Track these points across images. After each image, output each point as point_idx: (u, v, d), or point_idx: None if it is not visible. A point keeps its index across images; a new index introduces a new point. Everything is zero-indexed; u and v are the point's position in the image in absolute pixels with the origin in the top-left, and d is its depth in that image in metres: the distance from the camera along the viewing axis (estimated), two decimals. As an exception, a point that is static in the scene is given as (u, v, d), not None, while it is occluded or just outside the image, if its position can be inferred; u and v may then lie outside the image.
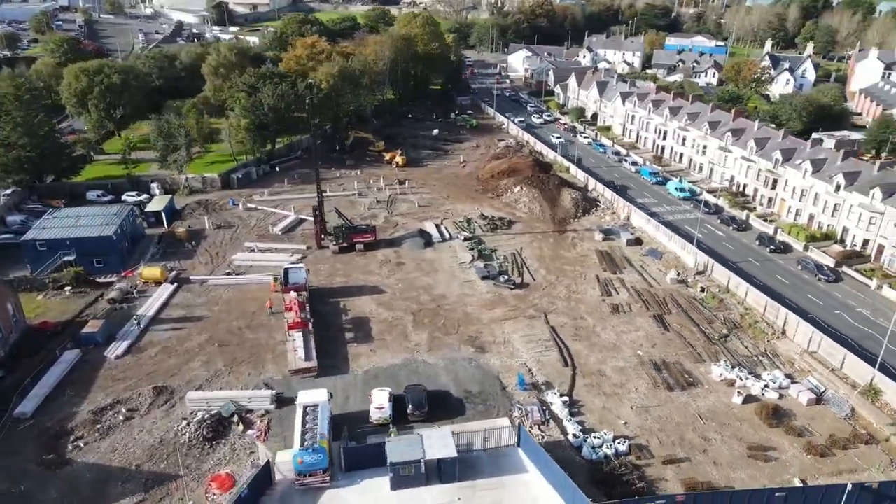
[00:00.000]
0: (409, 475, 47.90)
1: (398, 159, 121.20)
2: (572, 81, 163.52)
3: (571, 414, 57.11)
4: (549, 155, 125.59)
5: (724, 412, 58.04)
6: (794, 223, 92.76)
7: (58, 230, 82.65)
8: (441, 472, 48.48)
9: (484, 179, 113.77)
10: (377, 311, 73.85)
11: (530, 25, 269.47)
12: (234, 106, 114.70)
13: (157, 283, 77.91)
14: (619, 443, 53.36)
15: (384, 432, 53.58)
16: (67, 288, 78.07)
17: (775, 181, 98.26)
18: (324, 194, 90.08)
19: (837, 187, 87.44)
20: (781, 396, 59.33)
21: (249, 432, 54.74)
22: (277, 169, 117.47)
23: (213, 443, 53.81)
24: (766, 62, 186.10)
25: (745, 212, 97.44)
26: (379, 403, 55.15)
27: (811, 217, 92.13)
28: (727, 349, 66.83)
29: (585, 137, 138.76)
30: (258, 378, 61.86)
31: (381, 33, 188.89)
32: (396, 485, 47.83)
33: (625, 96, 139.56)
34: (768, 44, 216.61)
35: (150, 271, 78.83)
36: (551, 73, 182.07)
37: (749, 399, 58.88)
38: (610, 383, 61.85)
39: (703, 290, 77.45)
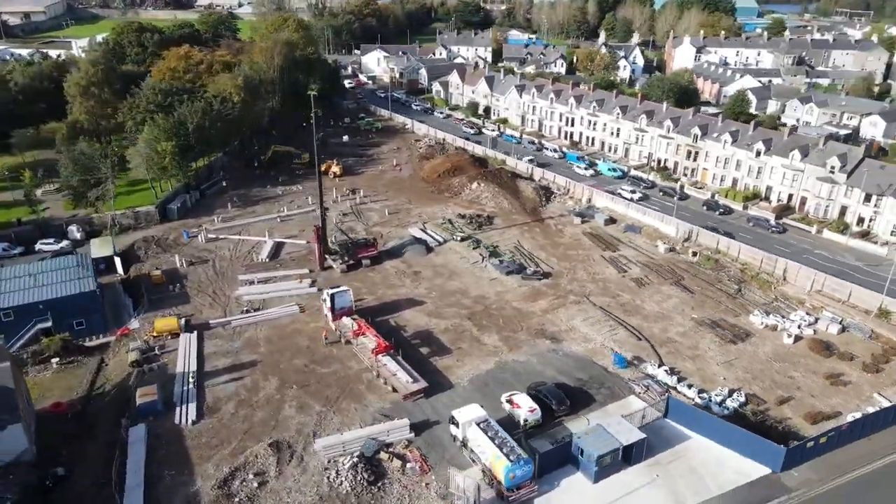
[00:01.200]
0: (608, 465, 49.47)
1: (335, 169, 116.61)
2: (454, 78, 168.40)
3: (679, 380, 62.12)
4: (476, 150, 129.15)
5: (785, 353, 67.14)
6: (730, 188, 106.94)
7: (20, 293, 68.34)
8: (631, 455, 50.65)
9: (431, 180, 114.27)
10: (432, 321, 72.43)
11: (361, 26, 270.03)
12: (148, 129, 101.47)
13: (175, 335, 68.30)
14: (737, 395, 59.52)
15: (537, 434, 54.21)
16: (54, 360, 65.39)
17: (695, 153, 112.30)
18: (282, 213, 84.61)
19: (758, 153, 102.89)
20: (815, 332, 70.07)
21: (409, 465, 51.74)
22: (207, 194, 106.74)
23: (378, 485, 50.14)
24: (604, 51, 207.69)
25: (679, 183, 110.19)
26: (530, 406, 55.31)
27: (735, 181, 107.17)
28: (749, 301, 76.75)
29: (492, 131, 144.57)
30: (367, 411, 58.18)
31: (241, 40, 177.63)
32: (599, 476, 49.12)
33: (520, 89, 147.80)
34: (602, 35, 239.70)
35: (165, 323, 68.77)
36: (423, 70, 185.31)
37: (796, 339, 68.69)
38: (685, 347, 68.01)
39: (694, 254, 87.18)
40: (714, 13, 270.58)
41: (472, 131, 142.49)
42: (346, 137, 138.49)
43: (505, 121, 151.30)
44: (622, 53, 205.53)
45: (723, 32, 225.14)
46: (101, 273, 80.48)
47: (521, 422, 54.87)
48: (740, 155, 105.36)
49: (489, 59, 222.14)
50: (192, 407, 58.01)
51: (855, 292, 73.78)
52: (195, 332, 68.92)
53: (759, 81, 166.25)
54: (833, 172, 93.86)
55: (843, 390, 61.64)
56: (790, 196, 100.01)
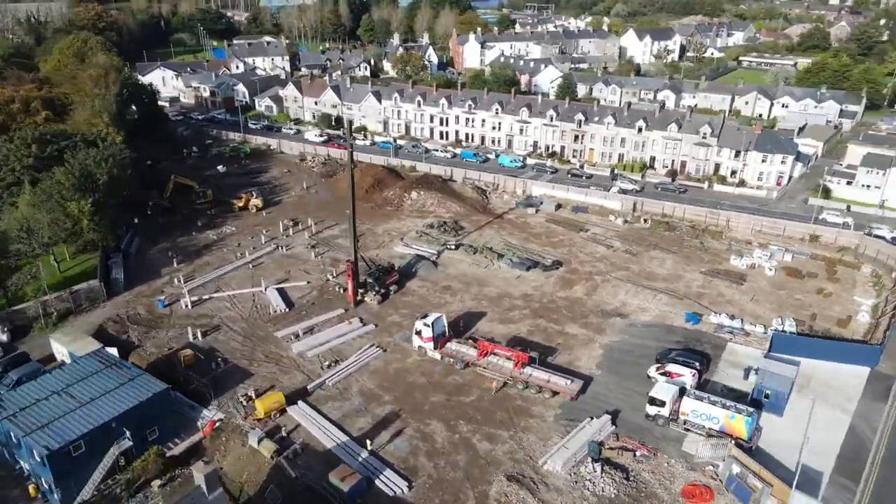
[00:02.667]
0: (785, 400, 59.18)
1: (256, 202, 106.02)
2: (290, 90, 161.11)
3: (742, 321, 74.37)
4: (374, 159, 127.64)
5: (778, 283, 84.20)
6: (621, 162, 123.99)
7: (79, 417, 52.84)
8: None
9: (364, 198, 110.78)
10: (511, 327, 74.16)
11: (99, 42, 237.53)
12: (31, 192, 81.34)
13: (282, 412, 59.64)
14: (786, 321, 73.73)
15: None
16: (155, 483, 53.08)
17: (580, 136, 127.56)
18: (245, 259, 78.19)
19: (640, 129, 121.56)
20: (779, 262, 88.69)
21: (638, 453, 54.98)
22: (129, 255, 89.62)
23: (630, 479, 52.76)
24: (400, 51, 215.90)
25: (577, 163, 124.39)
26: (692, 371, 62.12)
27: (621, 156, 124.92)
28: (712, 249, 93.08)
29: (363, 140, 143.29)
30: (548, 421, 59.18)
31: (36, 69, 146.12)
32: (783, 410, 58.53)
33: (378, 95, 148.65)
34: (396, 37, 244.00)
35: (272, 400, 59.46)
36: (241, 86, 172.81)
37: (774, 269, 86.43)
38: (714, 296, 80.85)
39: (645, 221, 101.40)
40: (466, 12, 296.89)
41: (390, 143, 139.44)
42: (221, 167, 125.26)
43: (363, 129, 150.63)
44: (420, 52, 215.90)
45: (496, 28, 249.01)
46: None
47: (689, 387, 61.28)
48: (624, 133, 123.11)
49: (287, 67, 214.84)
50: (391, 474, 52.75)
51: (788, 226, 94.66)
52: (298, 402, 60.91)
53: (559, 70, 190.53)
54: (706, 137, 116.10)
55: (833, 299, 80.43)
56: (672, 162, 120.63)
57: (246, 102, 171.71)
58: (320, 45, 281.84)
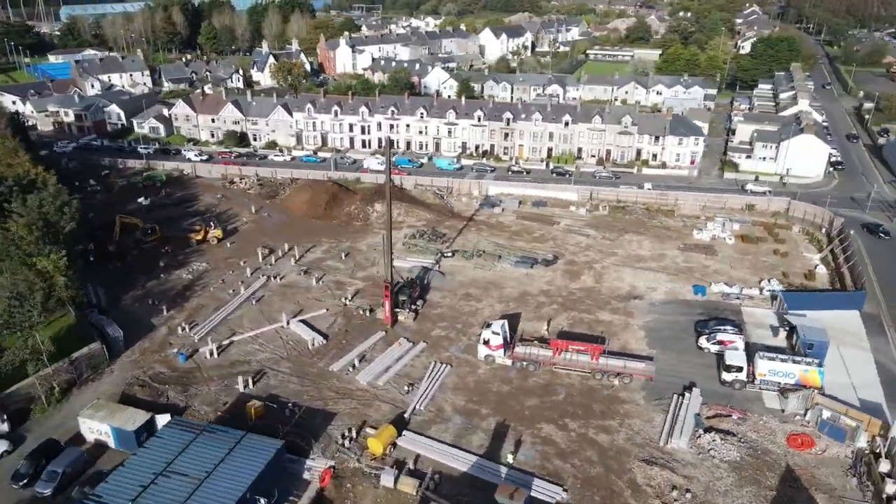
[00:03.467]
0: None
1: (215, 233, 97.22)
2: (182, 109, 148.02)
3: (741, 288, 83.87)
4: (312, 175, 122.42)
5: (740, 249, 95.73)
6: (547, 157, 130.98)
7: (209, 498, 46.72)
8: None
9: (321, 215, 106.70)
10: (556, 323, 76.75)
11: None
12: (4, 246, 68.98)
13: (393, 445, 57.16)
14: (774, 281, 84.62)
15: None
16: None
17: (509, 134, 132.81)
18: (243, 295, 76.05)
19: (566, 123, 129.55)
20: (731, 232, 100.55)
21: (734, 416, 60.77)
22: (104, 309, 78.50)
23: (739, 442, 58.38)
24: (271, 59, 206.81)
25: (509, 161, 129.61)
26: (742, 338, 69.40)
27: (550, 150, 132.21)
28: (669, 226, 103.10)
29: (282, 155, 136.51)
30: (640, 403, 63.14)
31: None
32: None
33: (287, 107, 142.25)
34: (266, 44, 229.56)
35: (386, 436, 56.66)
36: (114, 108, 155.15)
37: (732, 238, 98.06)
38: (701, 267, 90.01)
39: (605, 208, 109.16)
40: (323, 17, 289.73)
41: (312, 157, 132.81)
42: (144, 200, 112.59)
43: (274, 144, 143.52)
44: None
45: (364, 29, 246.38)
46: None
47: (741, 350, 68.23)
48: (552, 127, 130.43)
49: (149, 82, 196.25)
50: (540, 482, 53.30)
51: (728, 200, 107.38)
52: (403, 432, 58.81)
53: (447, 71, 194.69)
54: (627, 126, 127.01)
55: (790, 258, 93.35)
56: (599, 151, 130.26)
57: (122, 125, 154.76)
58: (152, 56, 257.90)
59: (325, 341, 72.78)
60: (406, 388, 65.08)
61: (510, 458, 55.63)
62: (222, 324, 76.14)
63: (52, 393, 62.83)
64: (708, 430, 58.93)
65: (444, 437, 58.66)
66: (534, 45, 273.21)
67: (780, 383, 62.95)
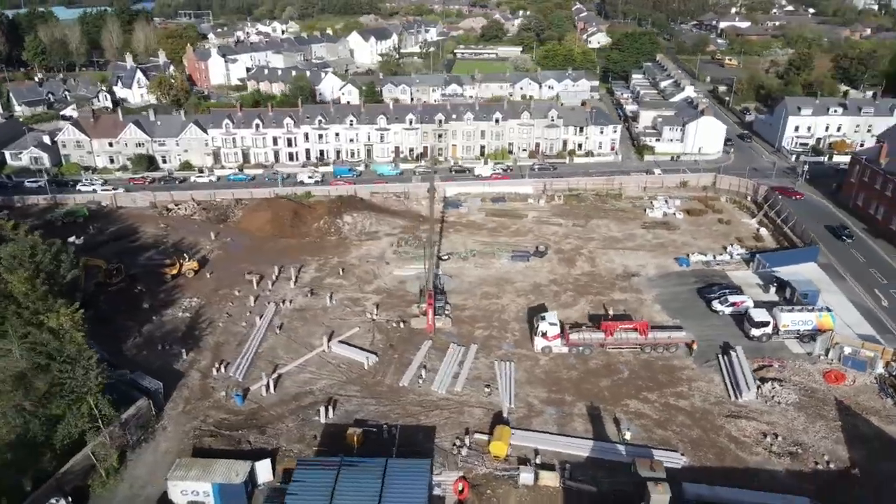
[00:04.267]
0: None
1: (191, 265, 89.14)
2: (71, 134, 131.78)
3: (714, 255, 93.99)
4: (256, 194, 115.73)
5: (691, 221, 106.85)
6: (479, 155, 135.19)
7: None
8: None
9: (294, 234, 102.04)
10: (573, 309, 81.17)
11: None
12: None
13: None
14: (738, 246, 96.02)
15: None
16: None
17: (442, 135, 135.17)
18: (260, 325, 74.81)
19: (497, 121, 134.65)
20: (676, 207, 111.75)
21: (773, 365, 69.31)
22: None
23: (782, 385, 66.94)
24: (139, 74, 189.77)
25: (444, 161, 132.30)
26: (749, 297, 78.55)
27: (482, 148, 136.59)
28: (620, 208, 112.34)
29: (202, 177, 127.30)
30: (694, 368, 69.72)
31: None
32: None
33: (200, 124, 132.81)
34: (129, 57, 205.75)
35: (504, 438, 57.45)
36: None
37: (681, 213, 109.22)
38: (669, 241, 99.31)
39: (560, 198, 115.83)
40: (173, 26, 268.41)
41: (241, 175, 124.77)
42: (75, 239, 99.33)
43: (188, 165, 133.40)
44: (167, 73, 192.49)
45: (212, 38, 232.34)
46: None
47: (747, 309, 77.32)
48: (483, 126, 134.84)
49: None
50: (659, 451, 57.43)
51: (664, 180, 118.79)
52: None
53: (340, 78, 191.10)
54: (554, 120, 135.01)
55: (733, 225, 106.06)
56: (529, 145, 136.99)
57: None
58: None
59: (377, 358, 70.95)
60: (486, 389, 65.89)
61: (627, 435, 59.09)
62: (258, 358, 71.10)
63: (103, 462, 55.39)
64: (762, 380, 66.71)
65: (549, 429, 60.65)
66: (397, 47, 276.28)
67: (799, 331, 72.63)
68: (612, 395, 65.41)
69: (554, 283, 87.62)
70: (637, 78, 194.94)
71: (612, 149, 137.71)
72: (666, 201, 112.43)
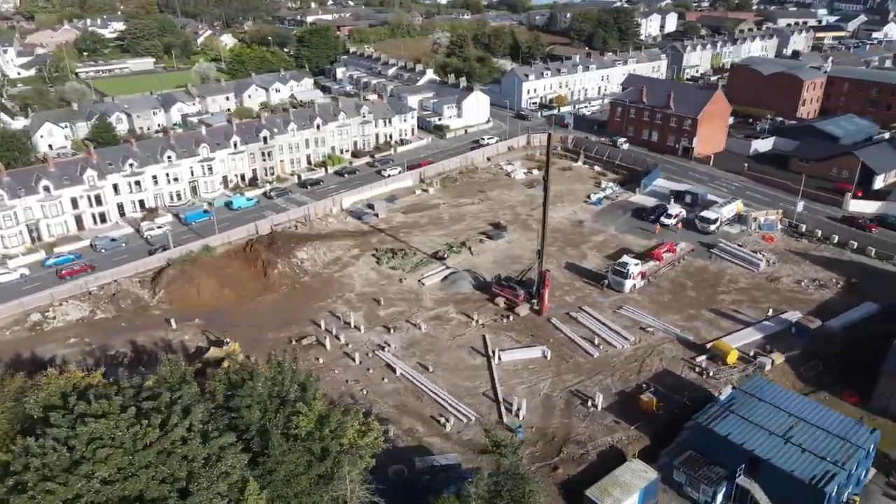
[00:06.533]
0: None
1: (233, 346, 67.91)
2: None
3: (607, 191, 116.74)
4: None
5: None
6: (309, 165, 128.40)
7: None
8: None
9: (266, 288, 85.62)
10: (585, 250, 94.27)
11: None
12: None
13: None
14: (607, 182, 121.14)
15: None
16: None
17: (269, 153, 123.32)
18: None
19: (318, 126, 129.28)
20: (525, 169, 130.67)
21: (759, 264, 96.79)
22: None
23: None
24: None
25: (276, 180, 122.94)
26: (681, 210, 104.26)
27: (308, 157, 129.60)
28: (497, 177, 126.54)
29: (7, 273, 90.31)
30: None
31: None
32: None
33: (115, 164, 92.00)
34: None
35: (729, 347, 69.65)
36: None
37: (536, 170, 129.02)
38: (566, 192, 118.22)
39: (437, 183, 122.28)
40: None
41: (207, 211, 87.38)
42: None
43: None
44: None
45: None
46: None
47: (684, 212, 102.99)
48: (307, 134, 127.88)
49: None
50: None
51: (497, 149, 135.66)
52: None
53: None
54: (365, 115, 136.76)
55: (574, 171, 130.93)
56: (348, 145, 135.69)
57: None
58: None
59: (545, 347, 72.42)
60: (649, 329, 75.70)
61: (770, 312, 77.78)
62: (475, 399, 64.39)
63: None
64: (753, 252, 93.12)
65: (720, 335, 74.91)
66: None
67: (729, 219, 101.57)
68: (707, 298, 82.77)
69: (549, 245, 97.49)
70: (342, 70, 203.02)
71: (413, 133, 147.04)
72: (514, 164, 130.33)
